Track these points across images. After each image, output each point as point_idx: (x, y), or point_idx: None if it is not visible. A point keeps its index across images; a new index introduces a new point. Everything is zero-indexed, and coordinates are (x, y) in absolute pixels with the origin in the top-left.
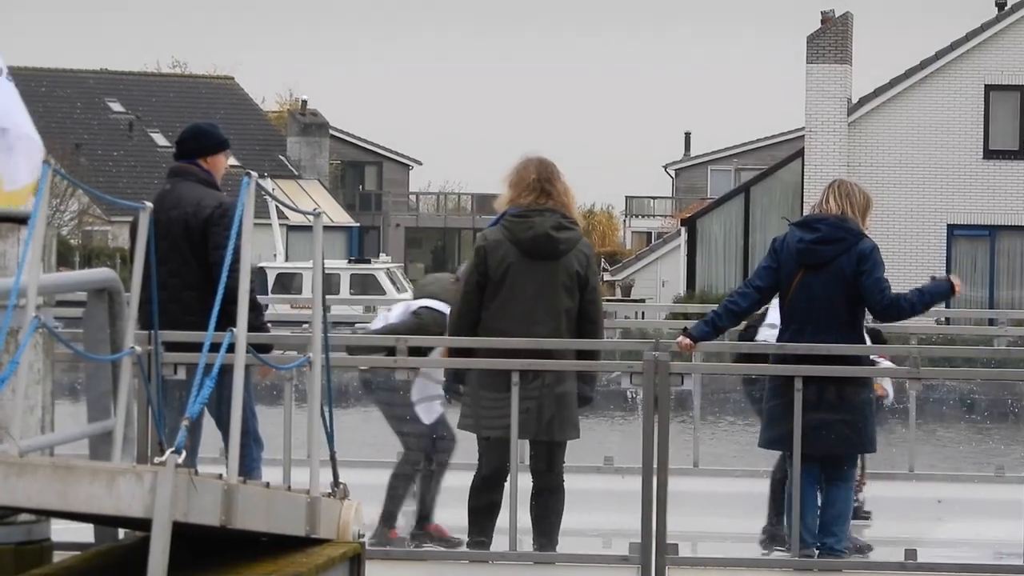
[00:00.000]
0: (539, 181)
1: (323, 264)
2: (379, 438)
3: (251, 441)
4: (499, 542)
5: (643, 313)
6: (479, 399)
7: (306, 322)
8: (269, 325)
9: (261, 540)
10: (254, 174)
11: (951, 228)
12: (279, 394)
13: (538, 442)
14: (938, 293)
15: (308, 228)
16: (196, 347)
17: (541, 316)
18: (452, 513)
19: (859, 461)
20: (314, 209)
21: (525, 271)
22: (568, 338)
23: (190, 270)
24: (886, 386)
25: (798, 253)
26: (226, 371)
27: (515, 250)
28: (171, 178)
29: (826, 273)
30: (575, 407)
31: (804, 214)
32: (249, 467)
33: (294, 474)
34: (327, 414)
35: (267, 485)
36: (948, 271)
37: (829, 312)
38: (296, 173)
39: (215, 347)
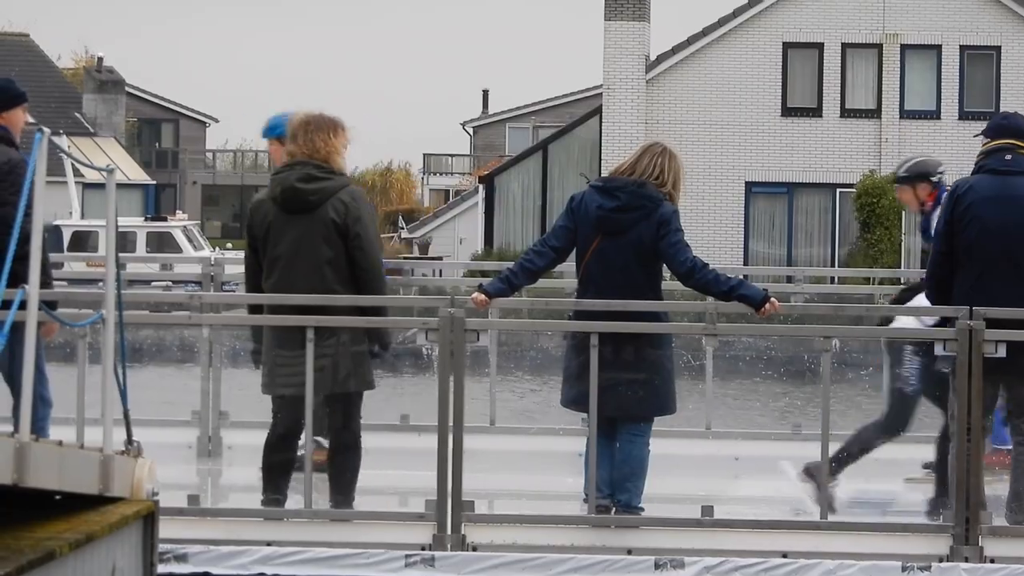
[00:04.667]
0: (293, 136)
1: (116, 221)
2: (171, 395)
3: (38, 401)
4: (295, 501)
5: (441, 271)
6: (265, 360)
7: (102, 280)
8: (63, 283)
9: (55, 498)
10: (46, 130)
11: (749, 185)
12: (72, 352)
13: (329, 398)
14: (749, 295)
15: (104, 185)
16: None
17: (301, 270)
18: (250, 471)
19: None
20: (107, 165)
21: (283, 227)
22: (339, 288)
23: None
24: None
25: (597, 220)
26: (17, 329)
27: (274, 207)
28: None
29: (624, 241)
30: (359, 359)
31: (602, 172)
32: (36, 427)
33: (88, 433)
34: (120, 372)
35: (60, 443)
36: (747, 229)
37: (627, 278)
38: (92, 130)
39: (5, 304)
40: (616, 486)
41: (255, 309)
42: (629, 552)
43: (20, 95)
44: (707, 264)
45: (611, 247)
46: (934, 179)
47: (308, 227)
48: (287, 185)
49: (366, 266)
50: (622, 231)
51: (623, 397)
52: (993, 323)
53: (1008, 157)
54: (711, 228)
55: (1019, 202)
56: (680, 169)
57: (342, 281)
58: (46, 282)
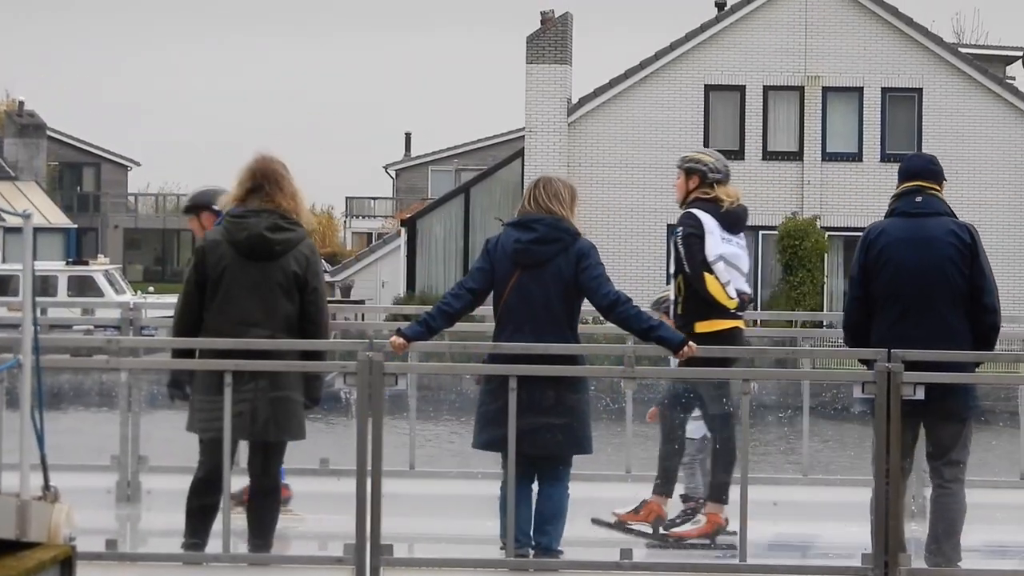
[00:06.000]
0: (259, 182)
1: (33, 265)
2: (91, 441)
3: None
4: (215, 544)
5: (363, 314)
6: (196, 400)
7: (20, 324)
8: None
9: None
10: None
11: (672, 228)
12: None
13: (254, 444)
14: (667, 337)
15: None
16: None
17: (258, 317)
18: (169, 516)
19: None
20: (23, 210)
21: (241, 272)
22: (288, 338)
23: None
24: None
25: (515, 253)
26: None
27: (232, 251)
28: None
29: (543, 273)
30: (293, 408)
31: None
32: None
33: (4, 477)
34: (38, 416)
35: None
36: (669, 271)
37: (546, 312)
38: (13, 175)
39: None
40: (535, 529)
41: (182, 352)
42: None
43: None
44: (630, 299)
45: (530, 281)
46: (216, 207)
47: (269, 275)
48: (255, 232)
49: (318, 320)
50: (541, 263)
51: (540, 438)
52: (913, 365)
53: (919, 199)
54: (633, 270)
55: (934, 243)
56: (561, 188)
57: (290, 332)
58: None
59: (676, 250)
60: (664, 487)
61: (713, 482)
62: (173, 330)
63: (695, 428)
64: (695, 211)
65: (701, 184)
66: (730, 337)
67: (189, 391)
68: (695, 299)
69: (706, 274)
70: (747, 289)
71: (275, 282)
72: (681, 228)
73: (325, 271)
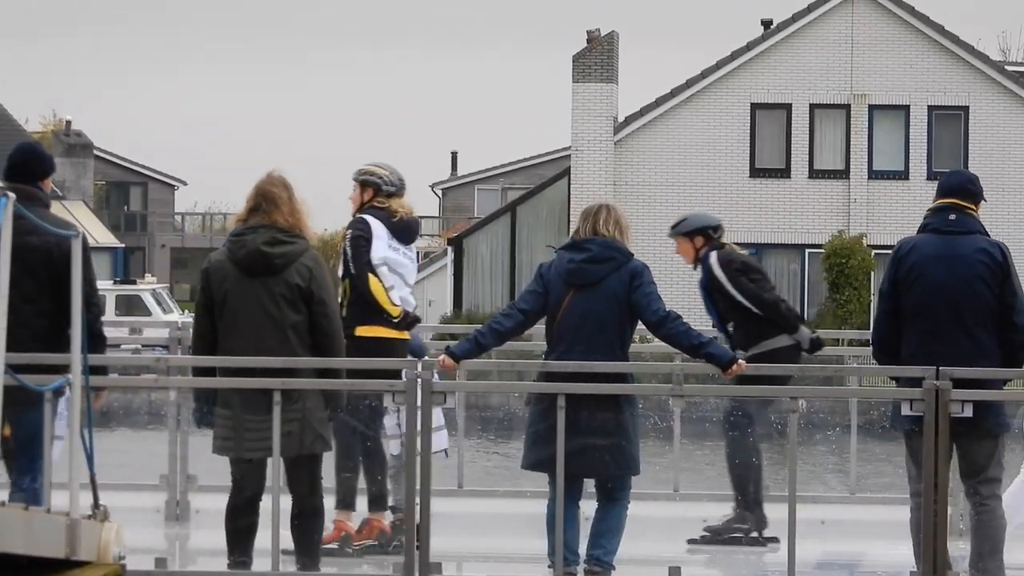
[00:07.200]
0: (258, 201)
1: (80, 286)
2: (139, 459)
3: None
4: (263, 563)
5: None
6: (240, 421)
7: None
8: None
9: (21, 563)
10: (11, 195)
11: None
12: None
13: (287, 461)
14: (716, 354)
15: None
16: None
17: (268, 332)
18: (218, 535)
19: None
20: (72, 230)
21: (245, 289)
22: (301, 352)
23: (45, 298)
24: None
25: (568, 273)
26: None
27: (234, 269)
28: (20, 200)
29: (596, 293)
30: (312, 421)
31: (569, 234)
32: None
33: (54, 496)
34: (87, 436)
35: (26, 507)
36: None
37: (599, 332)
38: (60, 194)
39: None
40: (590, 543)
41: (203, 372)
42: None
43: (53, 165)
44: (680, 316)
45: (583, 300)
46: None
47: (272, 290)
48: (253, 248)
49: (329, 331)
50: (594, 282)
51: (588, 459)
52: (958, 383)
53: (952, 217)
54: (680, 289)
55: (964, 261)
56: (621, 217)
57: (304, 345)
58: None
59: (344, 253)
60: (377, 504)
61: (371, 491)
62: (192, 355)
63: (395, 445)
64: (366, 216)
65: (376, 196)
66: (390, 348)
67: (215, 414)
68: (360, 303)
69: (370, 275)
70: (412, 301)
71: (279, 295)
72: (350, 231)
73: None
